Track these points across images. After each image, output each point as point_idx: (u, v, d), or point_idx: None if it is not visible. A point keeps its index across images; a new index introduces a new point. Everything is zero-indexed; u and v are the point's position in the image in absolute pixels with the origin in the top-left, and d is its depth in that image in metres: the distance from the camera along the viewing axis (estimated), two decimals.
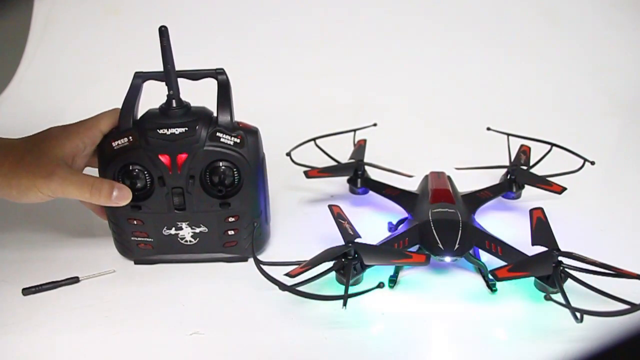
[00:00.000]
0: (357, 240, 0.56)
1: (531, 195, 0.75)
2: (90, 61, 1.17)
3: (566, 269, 0.54)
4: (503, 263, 0.56)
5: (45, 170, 0.54)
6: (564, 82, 1.13)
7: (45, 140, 0.56)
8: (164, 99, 0.57)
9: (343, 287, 0.53)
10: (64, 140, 0.56)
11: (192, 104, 0.58)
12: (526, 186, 0.75)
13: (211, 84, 0.59)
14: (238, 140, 0.57)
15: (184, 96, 0.58)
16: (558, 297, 0.50)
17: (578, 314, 0.48)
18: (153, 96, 0.60)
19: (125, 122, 0.57)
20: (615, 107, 1.07)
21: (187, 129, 0.56)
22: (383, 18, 1.20)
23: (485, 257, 0.60)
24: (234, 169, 0.58)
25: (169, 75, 0.55)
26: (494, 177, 0.79)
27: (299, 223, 0.71)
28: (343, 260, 0.56)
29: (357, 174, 0.76)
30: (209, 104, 0.60)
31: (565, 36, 1.18)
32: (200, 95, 0.61)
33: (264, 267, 0.54)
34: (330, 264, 0.56)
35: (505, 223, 0.70)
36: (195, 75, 0.59)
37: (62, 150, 0.55)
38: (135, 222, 0.59)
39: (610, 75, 1.14)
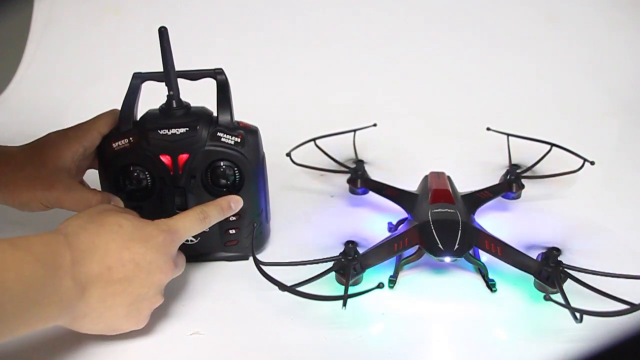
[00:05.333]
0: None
1: (531, 195, 0.75)
2: (90, 61, 1.17)
3: (566, 269, 0.54)
4: (503, 263, 0.56)
5: (46, 182, 0.54)
6: (564, 82, 1.13)
7: (44, 148, 0.56)
8: (163, 100, 0.57)
9: (343, 287, 0.53)
10: (63, 149, 0.56)
11: (191, 104, 0.59)
12: (526, 186, 0.75)
13: (210, 84, 0.59)
14: (239, 140, 0.57)
15: (183, 96, 0.58)
16: (558, 297, 0.50)
17: (578, 314, 0.48)
18: (152, 96, 0.60)
19: (125, 123, 0.57)
20: (615, 107, 1.07)
21: (188, 129, 0.56)
22: (383, 18, 1.20)
23: (485, 257, 0.61)
24: (235, 169, 0.58)
25: (169, 75, 0.55)
26: (494, 177, 0.79)
27: (299, 223, 0.71)
28: (343, 260, 0.56)
29: (357, 174, 0.76)
30: (208, 104, 0.60)
31: (565, 36, 1.18)
32: (199, 95, 0.61)
33: (264, 268, 0.54)
34: (330, 264, 0.56)
35: (505, 223, 0.70)
36: (194, 75, 0.59)
37: (61, 160, 0.56)
38: None
39: (610, 75, 1.13)
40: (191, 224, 0.52)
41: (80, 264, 0.43)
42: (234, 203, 0.56)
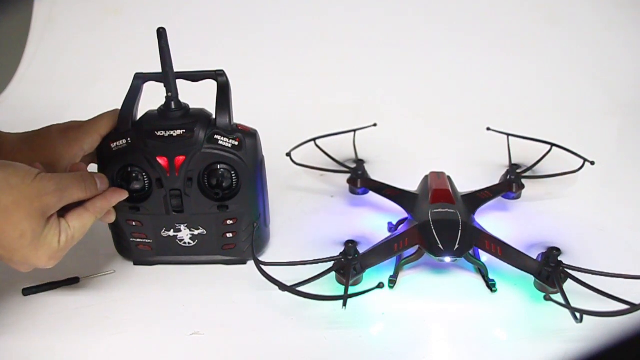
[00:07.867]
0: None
1: (531, 195, 0.75)
2: (90, 61, 1.17)
3: (566, 269, 0.54)
4: (503, 263, 0.56)
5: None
6: (564, 82, 1.13)
7: (44, 148, 0.55)
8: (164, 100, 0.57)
9: (343, 287, 0.53)
10: (62, 152, 0.55)
11: (192, 106, 0.58)
12: (526, 186, 0.75)
13: (212, 85, 0.59)
14: (236, 143, 0.57)
15: (185, 97, 0.58)
16: (558, 297, 0.50)
17: (578, 314, 0.48)
18: (155, 96, 0.60)
19: (124, 123, 0.57)
20: (615, 107, 1.07)
21: (185, 131, 0.55)
22: (383, 18, 1.20)
23: (485, 257, 0.60)
24: (232, 172, 0.57)
25: (167, 76, 0.55)
26: (494, 177, 0.79)
27: (299, 223, 0.71)
28: (343, 260, 0.56)
29: (357, 174, 0.76)
30: (210, 106, 0.59)
31: (565, 36, 1.18)
32: (201, 96, 0.61)
33: (264, 267, 0.54)
34: (330, 264, 0.56)
35: (505, 223, 0.70)
36: (195, 76, 0.59)
37: (60, 162, 0.55)
38: (134, 224, 0.59)
39: (610, 75, 1.13)
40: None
41: None
42: (99, 179, 0.53)
